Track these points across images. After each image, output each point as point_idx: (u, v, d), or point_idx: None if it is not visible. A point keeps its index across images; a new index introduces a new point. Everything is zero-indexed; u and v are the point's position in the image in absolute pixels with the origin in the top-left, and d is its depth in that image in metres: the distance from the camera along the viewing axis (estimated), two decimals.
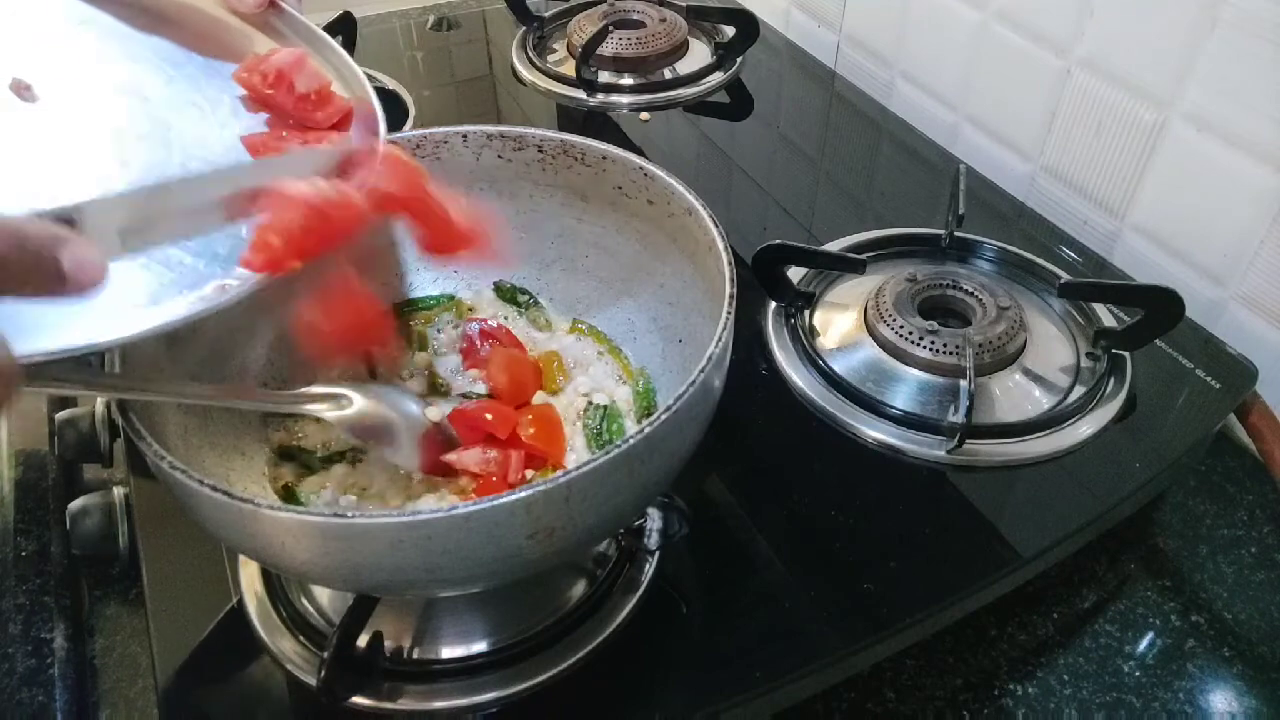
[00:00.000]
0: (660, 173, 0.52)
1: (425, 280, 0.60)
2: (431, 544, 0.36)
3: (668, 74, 1.00)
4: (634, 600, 0.50)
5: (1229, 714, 0.52)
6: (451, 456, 0.49)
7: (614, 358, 0.57)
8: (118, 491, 0.54)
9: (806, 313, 0.68)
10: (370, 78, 0.97)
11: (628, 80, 0.98)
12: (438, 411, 0.51)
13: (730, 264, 0.46)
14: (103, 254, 0.31)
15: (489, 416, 0.50)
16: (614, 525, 0.46)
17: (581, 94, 0.97)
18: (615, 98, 0.97)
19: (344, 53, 0.49)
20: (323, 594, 0.50)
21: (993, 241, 0.72)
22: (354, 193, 0.41)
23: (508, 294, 0.59)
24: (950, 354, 0.61)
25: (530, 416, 0.51)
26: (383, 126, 0.46)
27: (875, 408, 0.60)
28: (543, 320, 0.59)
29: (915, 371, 0.62)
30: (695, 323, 0.52)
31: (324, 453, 0.51)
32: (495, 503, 0.35)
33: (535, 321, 0.59)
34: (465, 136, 0.56)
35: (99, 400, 0.59)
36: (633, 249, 0.56)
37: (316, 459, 0.51)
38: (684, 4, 1.06)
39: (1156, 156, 0.71)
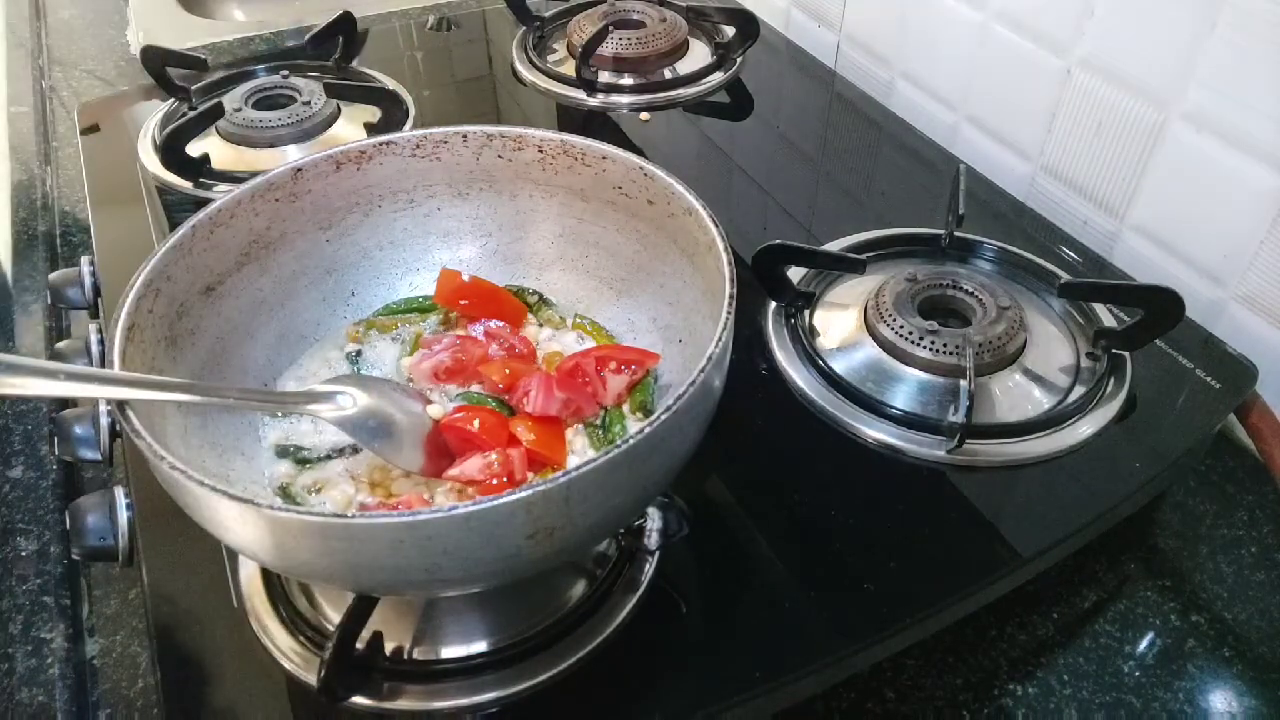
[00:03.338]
0: (660, 173, 0.52)
1: (424, 280, 0.60)
2: (431, 544, 0.36)
3: (668, 74, 1.00)
4: (634, 600, 0.50)
5: (1229, 714, 0.52)
6: (454, 471, 0.49)
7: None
8: (118, 491, 0.54)
9: (806, 313, 0.68)
10: (370, 78, 0.98)
11: (628, 80, 0.98)
12: (439, 409, 0.51)
13: (730, 264, 0.46)
14: None
15: (476, 426, 0.50)
16: (614, 525, 0.46)
17: (581, 94, 0.97)
18: (615, 98, 0.97)
19: None
20: (323, 594, 0.50)
21: (993, 241, 0.72)
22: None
23: (515, 295, 0.59)
24: (950, 354, 0.61)
25: (531, 421, 0.51)
26: None
27: (875, 408, 0.60)
28: (556, 319, 0.59)
29: (915, 371, 0.62)
30: (695, 322, 0.52)
31: (320, 451, 0.51)
32: (495, 503, 0.35)
33: (549, 321, 0.59)
34: (465, 136, 0.56)
35: (100, 401, 0.59)
36: (632, 249, 0.56)
37: (314, 456, 0.51)
38: (684, 4, 1.06)
39: (1156, 156, 0.71)
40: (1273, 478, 0.62)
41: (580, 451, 0.52)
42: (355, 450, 0.51)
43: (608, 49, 0.98)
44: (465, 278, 0.58)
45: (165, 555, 0.52)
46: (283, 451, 0.51)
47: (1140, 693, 0.53)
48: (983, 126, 0.87)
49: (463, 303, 0.58)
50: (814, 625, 0.50)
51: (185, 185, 0.81)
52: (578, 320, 0.59)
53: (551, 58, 1.02)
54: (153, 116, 0.90)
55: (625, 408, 0.53)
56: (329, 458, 0.51)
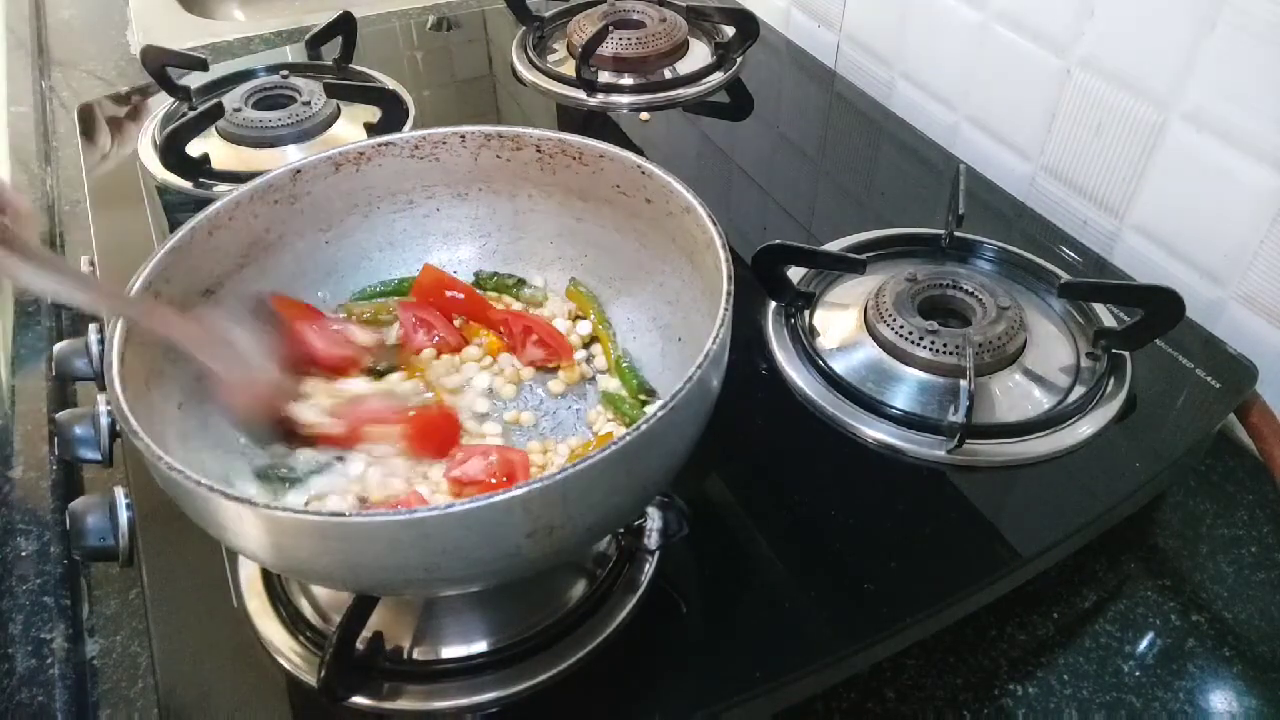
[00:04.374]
0: (658, 171, 0.52)
1: (405, 261, 0.59)
2: (430, 543, 0.36)
3: (668, 74, 1.00)
4: (634, 600, 0.50)
5: (1229, 714, 0.52)
6: (456, 472, 0.49)
7: (602, 343, 0.58)
8: (118, 491, 0.54)
9: (806, 313, 0.68)
10: (370, 78, 0.98)
11: (628, 80, 0.98)
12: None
13: (728, 261, 0.46)
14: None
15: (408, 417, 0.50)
16: (613, 524, 0.46)
17: (581, 94, 0.97)
18: (615, 98, 0.97)
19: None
20: (323, 594, 0.50)
21: (993, 241, 0.72)
22: None
23: (490, 282, 0.60)
24: (950, 354, 0.61)
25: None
26: None
27: (875, 408, 0.60)
28: (539, 297, 0.59)
29: (915, 371, 0.62)
30: (694, 321, 0.52)
31: (300, 471, 0.51)
32: (493, 501, 0.35)
33: (531, 301, 0.59)
34: (464, 137, 0.56)
35: (100, 400, 0.59)
36: (631, 248, 0.56)
37: (295, 475, 0.50)
38: (684, 4, 1.06)
39: (1156, 156, 0.71)
40: (1273, 478, 0.62)
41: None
42: (340, 459, 0.50)
43: (608, 49, 0.98)
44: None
45: (165, 555, 0.52)
46: (263, 475, 0.50)
47: (1140, 693, 0.53)
48: (983, 126, 0.87)
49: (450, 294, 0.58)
50: (814, 625, 0.50)
51: (185, 185, 0.81)
52: (574, 285, 0.59)
53: (551, 58, 1.02)
54: (153, 116, 0.90)
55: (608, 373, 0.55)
56: (312, 474, 0.50)
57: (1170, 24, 0.67)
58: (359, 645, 0.45)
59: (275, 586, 0.51)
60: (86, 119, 0.93)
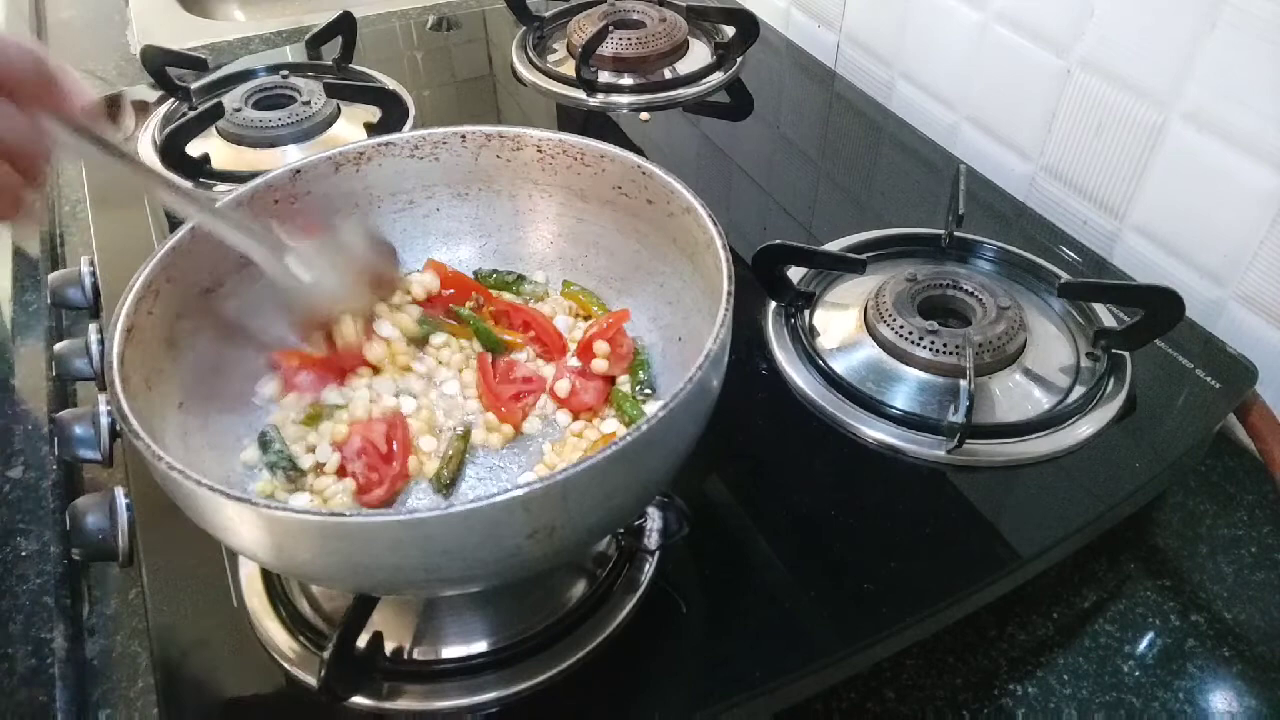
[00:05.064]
0: (659, 172, 0.52)
1: (405, 260, 0.59)
2: (431, 544, 0.36)
3: (668, 74, 1.00)
4: (634, 600, 0.50)
5: (1229, 714, 0.52)
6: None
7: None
8: (118, 491, 0.54)
9: (806, 313, 0.68)
10: (370, 78, 0.98)
11: (628, 80, 0.98)
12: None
13: (728, 262, 0.46)
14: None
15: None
16: (613, 524, 0.46)
17: (581, 94, 0.97)
18: (615, 98, 0.97)
19: None
20: (323, 594, 0.50)
21: (993, 241, 0.72)
22: None
23: (490, 279, 0.60)
24: (950, 354, 0.61)
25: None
26: None
27: (875, 408, 0.60)
28: (540, 292, 0.59)
29: (915, 371, 0.62)
30: (694, 321, 0.52)
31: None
32: (494, 502, 0.35)
33: (532, 296, 0.59)
34: (464, 137, 0.56)
35: (100, 400, 0.59)
36: (632, 248, 0.56)
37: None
38: (684, 4, 1.06)
39: (1156, 156, 0.71)
40: (1273, 478, 0.62)
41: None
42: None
43: (608, 49, 0.98)
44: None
45: (165, 555, 0.52)
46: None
47: (1140, 693, 0.53)
48: (983, 126, 0.87)
49: (448, 292, 0.58)
50: (814, 625, 0.50)
51: (185, 185, 0.81)
52: (566, 287, 0.59)
53: (551, 58, 1.02)
54: (153, 116, 0.90)
55: (626, 388, 0.54)
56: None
57: (1170, 24, 0.67)
58: (359, 645, 0.45)
59: (275, 586, 0.51)
60: None
